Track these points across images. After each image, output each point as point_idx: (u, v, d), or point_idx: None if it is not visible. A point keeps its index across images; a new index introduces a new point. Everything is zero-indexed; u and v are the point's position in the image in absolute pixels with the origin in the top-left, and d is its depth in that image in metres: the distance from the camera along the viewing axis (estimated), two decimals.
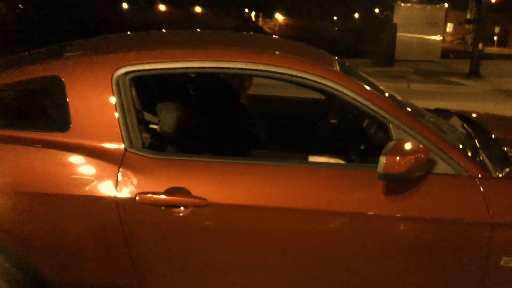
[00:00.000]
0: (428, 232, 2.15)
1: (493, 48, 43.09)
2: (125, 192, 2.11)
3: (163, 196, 2.11)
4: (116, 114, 2.19)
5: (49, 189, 2.12)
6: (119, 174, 2.13)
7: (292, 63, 2.29)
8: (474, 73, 16.51)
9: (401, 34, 22.16)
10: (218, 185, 2.14)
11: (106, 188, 2.12)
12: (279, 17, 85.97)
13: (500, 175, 2.27)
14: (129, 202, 2.11)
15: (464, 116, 3.27)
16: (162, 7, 68.32)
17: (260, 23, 75.06)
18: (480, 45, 16.51)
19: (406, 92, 5.55)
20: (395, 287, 2.26)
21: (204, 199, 2.11)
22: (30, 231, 2.15)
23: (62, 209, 2.14)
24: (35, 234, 2.16)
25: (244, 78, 3.31)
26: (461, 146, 2.41)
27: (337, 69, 2.39)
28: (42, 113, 2.32)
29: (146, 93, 2.37)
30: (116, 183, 2.12)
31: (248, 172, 2.19)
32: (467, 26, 35.14)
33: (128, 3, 64.96)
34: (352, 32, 47.35)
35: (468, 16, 35.36)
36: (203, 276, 2.27)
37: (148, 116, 2.44)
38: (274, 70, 2.27)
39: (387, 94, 2.51)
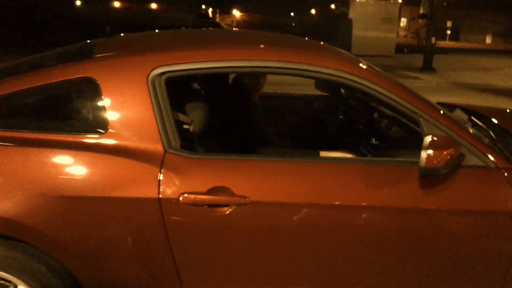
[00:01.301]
0: (461, 224, 2.21)
1: (446, 42, 44.20)
2: (168, 193, 2.09)
3: (206, 196, 2.10)
4: (154, 115, 2.18)
5: (88, 192, 2.08)
6: (161, 175, 2.10)
7: (327, 62, 2.35)
8: (428, 67, 16.91)
9: (356, 30, 22.47)
10: (259, 183, 2.15)
11: (148, 190, 2.09)
12: (236, 13, 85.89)
13: None
14: (173, 202, 2.09)
15: (468, 109, 3.32)
16: (116, 3, 67.24)
17: (217, 19, 74.91)
18: (433, 40, 16.89)
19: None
20: (424, 278, 2.32)
21: (246, 197, 2.11)
22: (68, 235, 2.11)
23: (102, 212, 2.10)
24: (73, 238, 2.11)
25: (259, 76, 3.30)
26: (483, 138, 2.45)
27: (367, 67, 2.44)
28: (77, 115, 2.25)
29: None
30: (159, 184, 2.09)
31: (289, 170, 2.20)
32: (420, 21, 35.93)
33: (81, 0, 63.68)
34: (309, 27, 47.82)
35: (421, 11, 36.12)
36: (245, 274, 2.27)
37: (181, 116, 2.45)
38: (310, 69, 2.31)
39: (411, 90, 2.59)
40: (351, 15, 23.19)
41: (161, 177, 2.10)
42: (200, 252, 2.20)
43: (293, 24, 68.10)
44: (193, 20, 44.35)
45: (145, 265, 2.19)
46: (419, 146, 2.46)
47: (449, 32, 48.27)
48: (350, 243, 2.22)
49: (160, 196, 2.08)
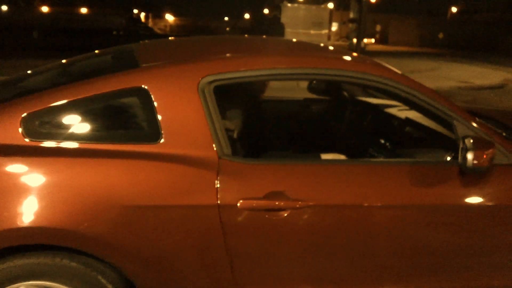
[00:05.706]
0: (496, 217, 2.37)
1: (375, 45, 45.57)
2: (226, 199, 2.13)
3: (264, 201, 2.15)
4: (206, 123, 2.22)
5: (146, 201, 2.10)
6: (218, 181, 2.14)
7: (367, 68, 2.46)
8: None
9: (288, 34, 22.80)
10: (314, 187, 2.22)
11: (206, 196, 2.13)
12: (169, 17, 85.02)
13: None
14: (231, 208, 2.14)
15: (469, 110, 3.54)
16: (44, 8, 65.00)
17: (150, 23, 73.88)
18: (362, 43, 17.41)
19: (295, 90, 5.73)
20: (460, 268, 2.45)
21: (302, 201, 2.17)
22: (128, 244, 2.12)
23: (161, 220, 2.13)
24: (134, 247, 2.13)
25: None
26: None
27: (403, 74, 2.54)
28: (131, 124, 2.29)
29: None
30: (216, 190, 2.13)
31: (341, 172, 2.28)
32: (350, 25, 36.82)
33: (6, 4, 61.15)
34: (242, 31, 48.01)
35: (351, 16, 37.06)
36: (301, 276, 2.34)
37: (226, 123, 2.47)
38: (350, 75, 2.41)
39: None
40: (283, 19, 23.54)
41: (218, 183, 2.14)
42: (257, 255, 2.26)
43: (227, 28, 68.23)
44: (126, 24, 43.56)
45: (203, 270, 2.24)
46: (435, 145, 2.65)
47: (378, 36, 49.85)
48: (410, 241, 2.33)
49: (218, 202, 2.13)
